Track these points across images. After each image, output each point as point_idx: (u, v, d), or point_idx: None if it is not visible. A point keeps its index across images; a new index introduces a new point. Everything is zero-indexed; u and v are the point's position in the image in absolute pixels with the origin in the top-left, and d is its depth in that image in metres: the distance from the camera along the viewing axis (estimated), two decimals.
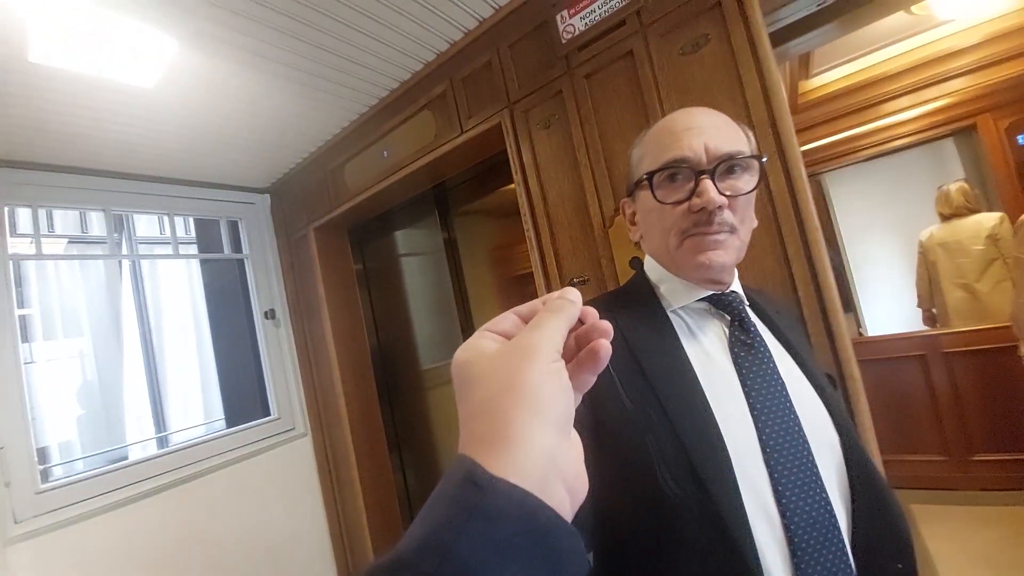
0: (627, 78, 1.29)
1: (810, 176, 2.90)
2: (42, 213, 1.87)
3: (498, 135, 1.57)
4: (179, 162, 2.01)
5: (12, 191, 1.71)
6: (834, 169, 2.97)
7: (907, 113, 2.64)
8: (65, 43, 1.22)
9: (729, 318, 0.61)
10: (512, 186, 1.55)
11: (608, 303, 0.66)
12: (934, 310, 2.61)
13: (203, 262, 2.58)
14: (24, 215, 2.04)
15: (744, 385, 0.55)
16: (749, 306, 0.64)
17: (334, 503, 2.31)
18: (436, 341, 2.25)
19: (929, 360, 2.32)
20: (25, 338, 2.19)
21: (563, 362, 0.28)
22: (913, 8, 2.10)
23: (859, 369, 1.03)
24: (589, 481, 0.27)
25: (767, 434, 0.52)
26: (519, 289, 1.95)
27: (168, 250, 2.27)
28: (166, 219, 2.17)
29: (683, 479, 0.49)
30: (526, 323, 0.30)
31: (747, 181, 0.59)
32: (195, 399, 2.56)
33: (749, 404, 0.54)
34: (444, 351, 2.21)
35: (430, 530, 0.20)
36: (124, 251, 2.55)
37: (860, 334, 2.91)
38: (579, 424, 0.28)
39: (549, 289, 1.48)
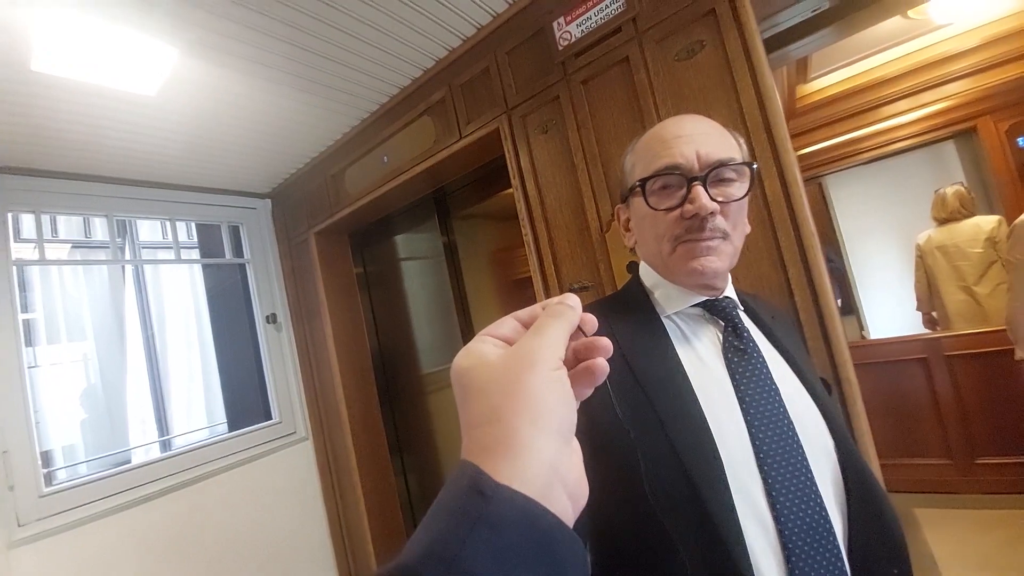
0: (623, 84, 1.30)
1: (811, 179, 2.94)
2: (45, 219, 1.88)
3: (496, 140, 1.58)
4: (181, 168, 2.02)
5: (16, 197, 1.73)
6: (835, 172, 2.97)
7: (907, 116, 2.64)
8: (67, 52, 1.23)
9: (723, 324, 0.61)
10: (511, 190, 1.55)
11: (603, 308, 0.66)
12: (934, 313, 2.60)
13: (205, 267, 2.60)
14: (28, 221, 2.06)
15: (738, 390, 0.56)
16: (743, 311, 0.65)
17: (335, 507, 2.31)
18: (436, 345, 2.25)
19: (931, 363, 2.31)
20: (29, 342, 2.20)
21: (565, 369, 0.28)
22: (910, 13, 2.10)
23: (860, 372, 1.03)
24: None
25: (760, 439, 0.52)
26: (519, 293, 1.96)
27: (170, 255, 2.29)
28: (168, 224, 2.19)
29: (676, 484, 0.49)
30: (526, 327, 0.30)
31: (739, 187, 0.60)
32: (197, 403, 2.57)
33: (743, 409, 0.54)
34: (444, 355, 2.21)
35: (435, 538, 0.20)
36: (127, 256, 2.57)
37: (863, 337, 2.90)
38: (576, 430, 0.28)
39: (548, 293, 1.48)
